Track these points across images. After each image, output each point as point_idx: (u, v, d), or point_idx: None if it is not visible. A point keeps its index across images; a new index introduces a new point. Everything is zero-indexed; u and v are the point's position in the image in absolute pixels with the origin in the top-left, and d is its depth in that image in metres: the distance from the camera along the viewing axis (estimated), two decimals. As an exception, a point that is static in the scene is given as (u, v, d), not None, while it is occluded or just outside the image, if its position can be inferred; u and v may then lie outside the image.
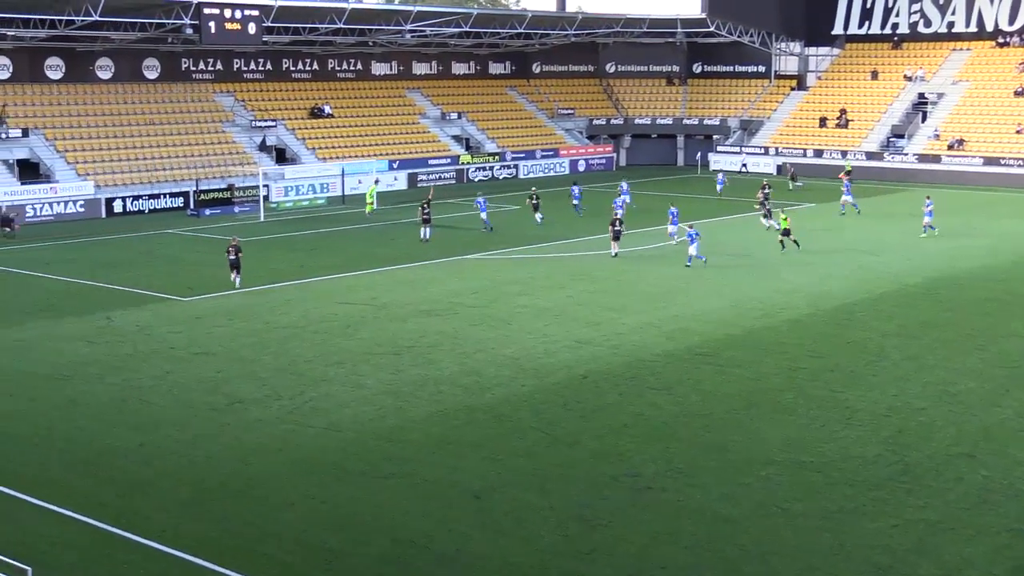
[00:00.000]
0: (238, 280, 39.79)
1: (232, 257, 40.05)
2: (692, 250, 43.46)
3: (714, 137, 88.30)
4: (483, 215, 53.74)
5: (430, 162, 76.33)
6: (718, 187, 68.17)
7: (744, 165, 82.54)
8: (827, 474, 21.55)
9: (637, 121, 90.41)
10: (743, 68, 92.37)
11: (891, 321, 34.26)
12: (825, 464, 22.07)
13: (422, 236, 49.62)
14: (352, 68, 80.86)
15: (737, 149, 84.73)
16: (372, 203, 58.94)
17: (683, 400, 26.29)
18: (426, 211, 50.37)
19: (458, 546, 18.48)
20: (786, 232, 46.82)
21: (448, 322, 34.11)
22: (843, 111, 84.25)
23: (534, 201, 56.02)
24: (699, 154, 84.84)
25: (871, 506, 20.03)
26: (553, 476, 21.42)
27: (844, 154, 79.85)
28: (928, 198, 52.87)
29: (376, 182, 63.50)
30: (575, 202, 58.87)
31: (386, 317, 34.91)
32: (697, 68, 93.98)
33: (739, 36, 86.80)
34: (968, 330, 32.98)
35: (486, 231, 52.53)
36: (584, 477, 21.37)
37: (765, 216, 53.40)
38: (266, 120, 72.08)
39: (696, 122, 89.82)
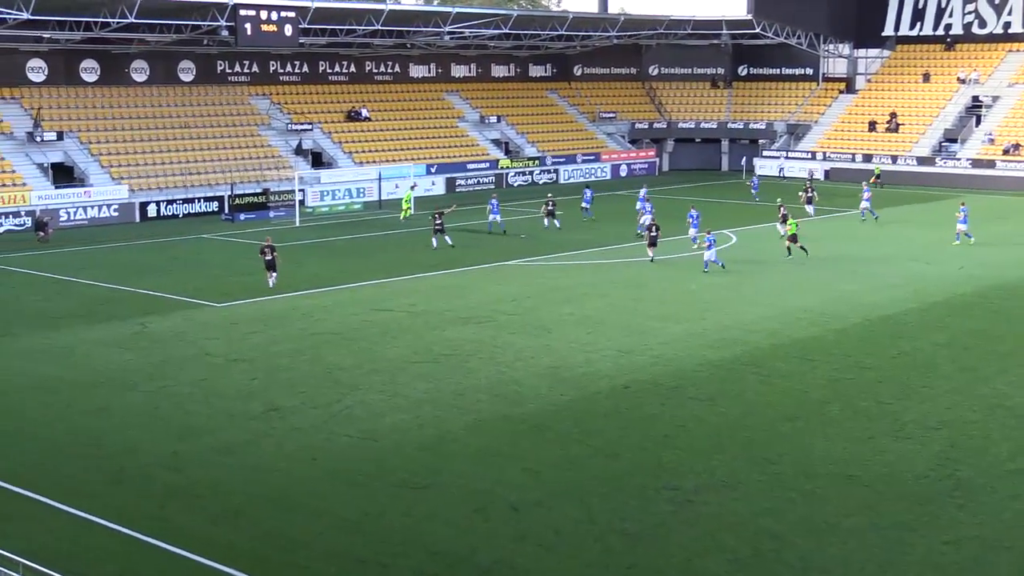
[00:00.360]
0: (273, 280, 40.38)
1: (268, 257, 40.69)
2: (710, 255, 43.59)
3: (760, 141, 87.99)
4: (496, 217, 54.53)
5: (468, 166, 76.55)
6: (752, 191, 68.54)
7: (782, 169, 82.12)
8: (876, 489, 21.40)
9: (680, 125, 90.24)
10: (790, 70, 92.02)
11: (942, 331, 33.99)
12: (874, 478, 21.92)
13: (434, 245, 49.28)
14: (390, 70, 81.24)
15: (783, 154, 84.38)
16: (408, 208, 59.19)
17: (727, 411, 26.20)
18: (438, 221, 50.02)
19: (496, 559, 18.51)
20: (793, 238, 46.94)
21: (487, 330, 34.18)
22: (893, 115, 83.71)
23: (550, 207, 56.50)
24: (744, 159, 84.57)
25: (922, 522, 19.88)
26: (594, 488, 21.41)
27: (869, 158, 79.40)
28: (963, 204, 52.26)
29: (413, 187, 63.76)
30: (585, 205, 59.46)
31: (424, 324, 35.02)
32: (742, 71, 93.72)
33: (786, 38, 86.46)
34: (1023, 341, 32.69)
35: (498, 233, 53.47)
36: (625, 490, 21.34)
37: (808, 203, 59.59)
38: (302, 123, 72.54)
39: (741, 126, 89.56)
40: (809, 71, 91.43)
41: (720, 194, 70.03)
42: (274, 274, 40.67)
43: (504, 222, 54.94)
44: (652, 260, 45.63)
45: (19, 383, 28.62)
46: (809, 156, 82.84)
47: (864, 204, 58.93)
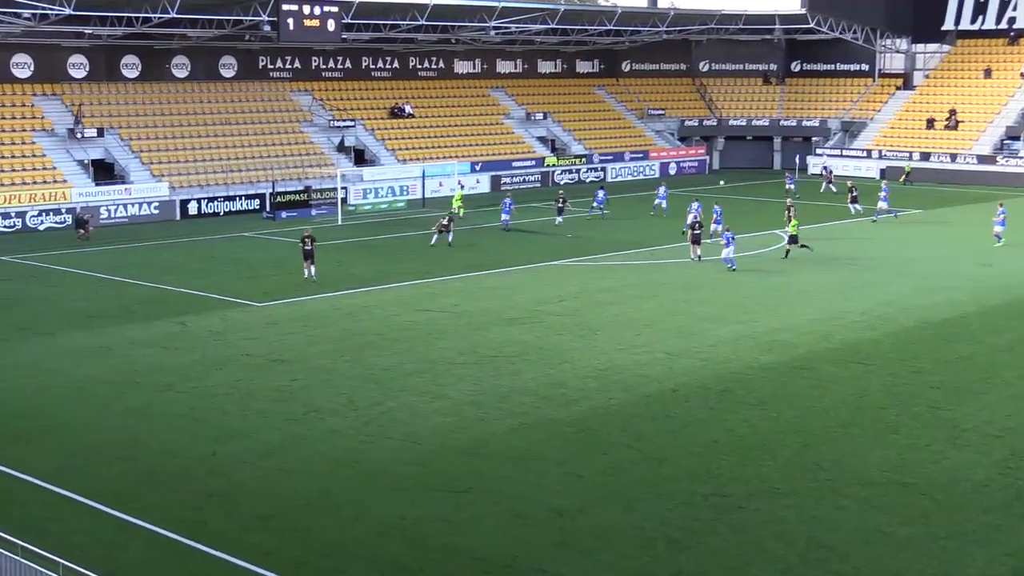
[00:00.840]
0: (313, 271, 41.39)
1: (307, 247, 41.45)
2: (728, 252, 44.06)
3: (813, 139, 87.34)
4: (506, 217, 55.88)
5: (514, 164, 76.55)
6: (790, 186, 69.08)
7: (825, 167, 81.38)
8: (933, 497, 21.14)
9: (731, 122, 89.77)
10: (845, 66, 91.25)
11: (1002, 335, 33.56)
12: (931, 487, 21.65)
13: (432, 241, 50.34)
14: (434, 66, 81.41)
15: (838, 151, 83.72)
16: (461, 207, 59.35)
17: (777, 416, 26.00)
18: (444, 223, 51.00)
19: (537, 565, 18.44)
20: (793, 239, 47.10)
21: (532, 331, 34.13)
22: (953, 112, 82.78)
23: (560, 204, 57.71)
24: (797, 157, 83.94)
25: (982, 533, 19.60)
26: (640, 494, 21.30)
27: (927, 156, 78.54)
28: (1001, 205, 51.47)
29: (461, 187, 64.08)
30: (596, 204, 60.19)
31: (468, 325, 35.03)
32: (796, 66, 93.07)
33: (841, 33, 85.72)
34: (1088, 346, 32.21)
35: (505, 230, 55.03)
36: (672, 495, 21.22)
37: (853, 202, 60.41)
38: (345, 120, 72.85)
39: (794, 123, 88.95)
40: (865, 67, 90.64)
41: (770, 193, 69.55)
42: (312, 266, 41.60)
43: (511, 223, 55.83)
44: (698, 258, 45.80)
45: (58, 382, 28.91)
46: (864, 154, 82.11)
47: (881, 204, 58.86)
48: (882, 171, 79.37)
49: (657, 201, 61.76)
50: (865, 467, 22.69)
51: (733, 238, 44.46)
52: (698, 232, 46.77)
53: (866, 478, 22.08)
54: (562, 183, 76.03)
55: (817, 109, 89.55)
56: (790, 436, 24.63)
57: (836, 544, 19.16)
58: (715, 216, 51.49)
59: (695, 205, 52.75)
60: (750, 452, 23.60)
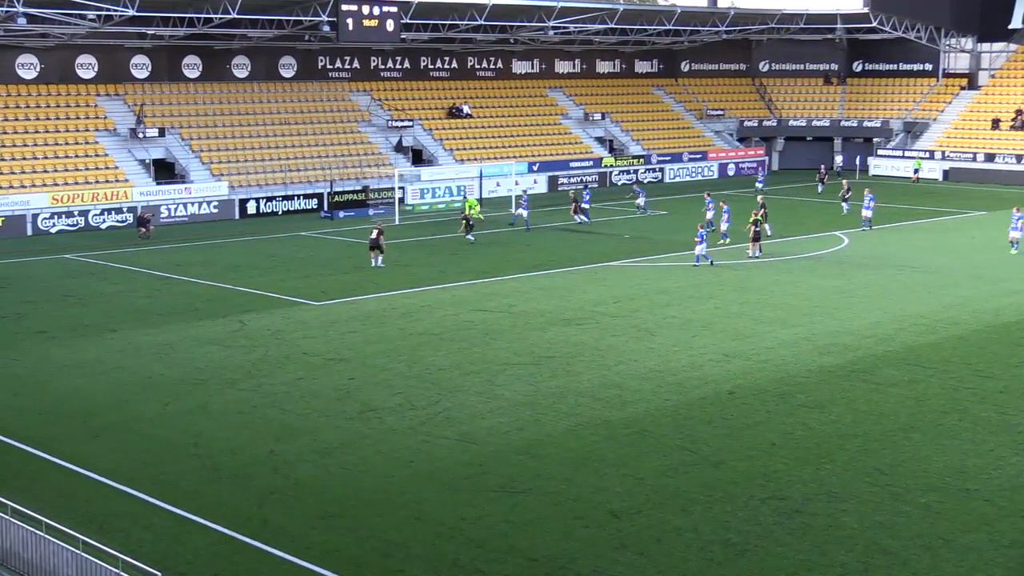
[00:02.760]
0: (380, 260, 44.43)
1: (374, 236, 44.60)
2: (701, 249, 44.84)
3: (875, 140, 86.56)
4: (525, 213, 56.33)
5: (571, 165, 76.59)
6: (759, 184, 69.98)
7: (823, 166, 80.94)
8: (997, 504, 20.93)
9: (791, 123, 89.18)
10: (908, 66, 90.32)
11: (1069, 340, 33.12)
12: (994, 493, 21.45)
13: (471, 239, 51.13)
14: (492, 66, 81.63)
15: (900, 152, 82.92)
16: (478, 213, 58.51)
17: (837, 419, 25.85)
18: (470, 223, 51.81)
19: (595, 567, 18.50)
20: (755, 236, 47.77)
21: (588, 332, 34.18)
22: (1020, 112, 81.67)
23: (582, 202, 58.82)
24: (858, 158, 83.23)
25: (1044, 540, 19.40)
26: (697, 497, 21.28)
27: (992, 158, 77.47)
28: (1018, 210, 49.94)
29: (474, 195, 63.32)
30: (584, 205, 59.26)
31: (524, 326, 35.14)
32: (857, 66, 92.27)
33: (904, 32, 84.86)
34: None
35: (525, 230, 55.31)
36: (730, 499, 21.18)
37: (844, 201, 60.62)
38: (403, 120, 73.25)
39: (855, 124, 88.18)
40: (928, 66, 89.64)
41: (830, 194, 68.93)
42: (380, 255, 44.66)
43: (520, 219, 56.48)
44: (755, 256, 46.19)
45: (122, 379, 29.39)
46: (927, 155, 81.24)
47: (866, 212, 55.16)
48: (944, 172, 78.41)
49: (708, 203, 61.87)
50: (926, 472, 22.52)
51: (706, 235, 45.40)
52: (758, 230, 47.00)
53: (927, 483, 21.91)
54: (621, 183, 75.90)
55: (879, 109, 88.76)
56: (849, 440, 24.49)
57: (897, 550, 19.04)
58: (725, 216, 51.00)
59: (710, 201, 52.91)
60: (809, 455, 23.50)
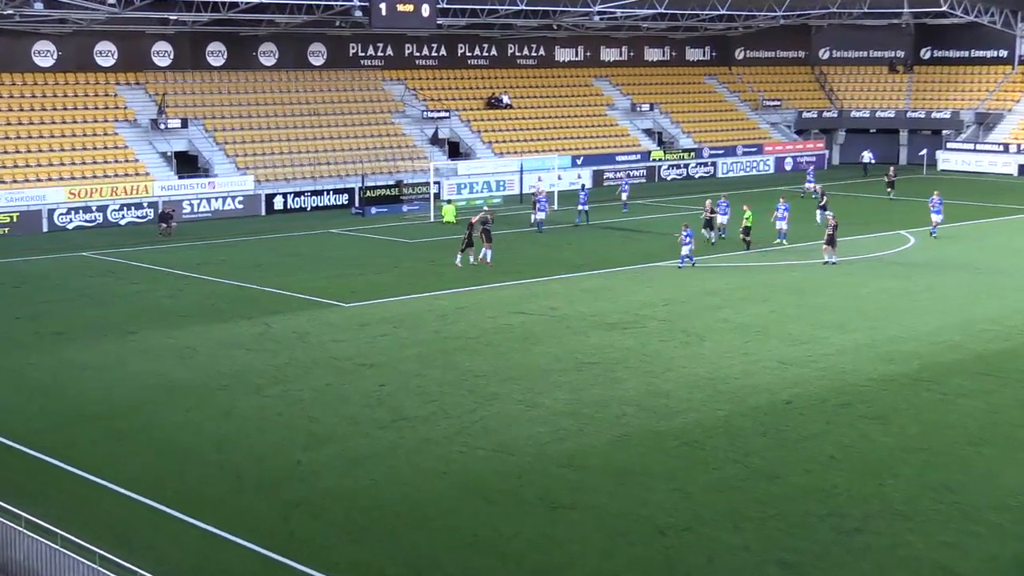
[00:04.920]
0: (488, 255, 45.03)
1: (487, 227, 44.89)
2: (687, 250, 44.71)
3: (943, 132, 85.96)
4: (542, 215, 55.73)
5: (618, 158, 76.56)
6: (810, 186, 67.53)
7: (872, 159, 79.98)
8: (1071, 524, 20.78)
9: (853, 114, 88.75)
10: (980, 53, 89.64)
11: None
12: (1069, 512, 21.29)
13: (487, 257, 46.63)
14: (534, 54, 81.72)
15: (971, 146, 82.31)
16: (451, 218, 58.24)
17: (901, 432, 25.72)
18: (487, 229, 46.72)
19: (641, 587, 18.52)
20: (746, 230, 48.14)
21: (635, 337, 34.16)
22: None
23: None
24: (925, 151, 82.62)
25: (1125, 563, 19.23)
26: (750, 513, 21.24)
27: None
28: None
29: (448, 201, 62.68)
30: (582, 208, 58.11)
31: (566, 329, 35.17)
32: (925, 53, 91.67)
33: (977, 16, 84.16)
34: None
35: (537, 231, 54.71)
36: (785, 516, 21.13)
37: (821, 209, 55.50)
38: (439, 111, 73.45)
39: (923, 115, 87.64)
40: (1003, 53, 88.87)
41: (897, 190, 68.39)
42: (489, 248, 45.07)
43: (542, 221, 55.81)
44: (831, 263, 45.11)
45: (143, 383, 29.66)
46: (1000, 148, 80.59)
47: (809, 184, 58.21)
48: (1020, 167, 77.70)
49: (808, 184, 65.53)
50: (998, 489, 22.36)
51: (692, 235, 45.00)
52: (832, 233, 45.42)
53: (999, 502, 21.75)
54: (670, 178, 75.71)
55: (949, 99, 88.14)
56: (914, 454, 24.36)
57: (967, 573, 18.92)
58: (783, 214, 50.19)
59: (725, 204, 52.27)
60: (870, 470, 23.39)
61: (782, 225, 50.24)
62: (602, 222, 57.72)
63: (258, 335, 34.61)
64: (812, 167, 70.56)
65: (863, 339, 33.78)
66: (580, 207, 58.27)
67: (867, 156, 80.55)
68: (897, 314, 37.09)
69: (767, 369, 30.64)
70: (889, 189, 67.16)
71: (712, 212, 51.60)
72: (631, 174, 72.43)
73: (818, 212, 55.76)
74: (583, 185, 63.24)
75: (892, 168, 70.22)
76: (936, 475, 23.12)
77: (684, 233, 44.74)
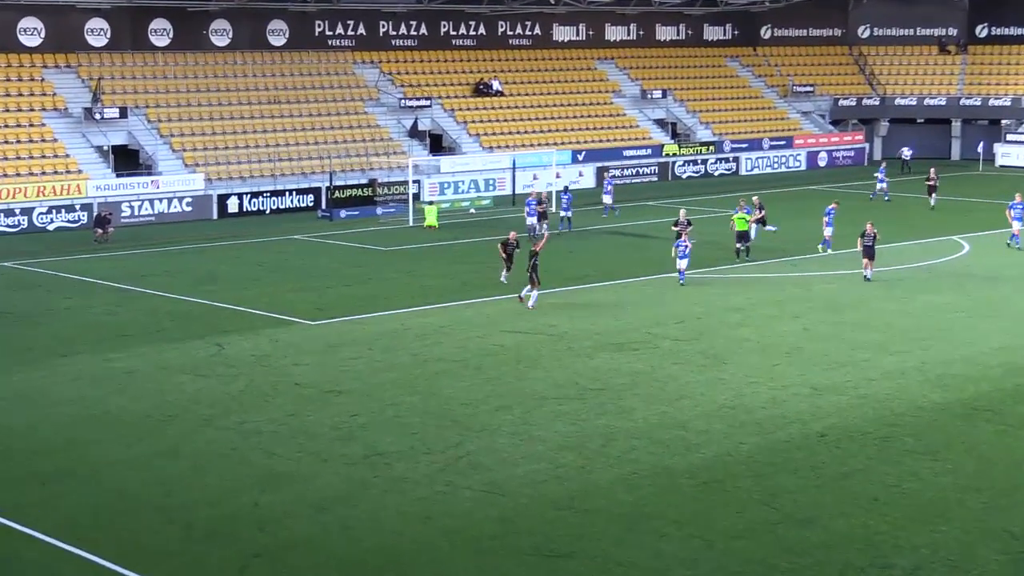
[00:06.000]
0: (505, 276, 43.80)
1: (515, 250, 43.44)
2: (682, 264, 44.33)
3: (1003, 122, 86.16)
4: (532, 219, 55.27)
5: (625, 153, 76.71)
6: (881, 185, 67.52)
7: (909, 157, 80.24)
8: None
9: (898, 101, 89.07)
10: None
11: None
12: None
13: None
14: (528, 33, 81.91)
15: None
16: (433, 223, 58.85)
17: (955, 469, 25.77)
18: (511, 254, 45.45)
19: (654, 649, 18.53)
20: (741, 235, 48.86)
21: (646, 359, 34.21)
22: None
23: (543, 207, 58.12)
24: (981, 144, 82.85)
25: None
26: (779, 564, 21.26)
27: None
28: None
29: (430, 202, 62.97)
30: (564, 213, 58.44)
31: (567, 351, 35.21)
32: (981, 31, 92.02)
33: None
34: None
35: (530, 237, 52.98)
36: (821, 566, 21.15)
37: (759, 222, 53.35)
38: (418, 99, 73.60)
39: (978, 102, 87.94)
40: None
41: (949, 190, 68.65)
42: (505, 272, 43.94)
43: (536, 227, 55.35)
44: (868, 278, 44.70)
45: (75, 414, 29.60)
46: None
47: (880, 184, 63.31)
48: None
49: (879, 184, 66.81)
50: (1066, 535, 22.42)
51: (688, 247, 44.38)
52: (869, 244, 44.81)
53: (1067, 549, 21.82)
54: (685, 176, 75.87)
55: (1008, 84, 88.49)
56: (971, 494, 24.40)
57: (1027, 631, 18.98)
58: (828, 219, 50.83)
59: (747, 210, 52.30)
60: (920, 514, 23.43)
61: (828, 232, 50.28)
62: (606, 227, 57.76)
63: (210, 358, 34.60)
64: (884, 163, 70.59)
65: (909, 362, 33.85)
66: (563, 212, 58.39)
67: (906, 152, 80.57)
68: (950, 333, 37.17)
69: (798, 396, 30.68)
70: (931, 195, 64.43)
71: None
72: (615, 173, 70.59)
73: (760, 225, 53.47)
74: (565, 187, 61.59)
75: (933, 169, 67.31)
76: (997, 520, 23.15)
77: (678, 243, 44.36)
